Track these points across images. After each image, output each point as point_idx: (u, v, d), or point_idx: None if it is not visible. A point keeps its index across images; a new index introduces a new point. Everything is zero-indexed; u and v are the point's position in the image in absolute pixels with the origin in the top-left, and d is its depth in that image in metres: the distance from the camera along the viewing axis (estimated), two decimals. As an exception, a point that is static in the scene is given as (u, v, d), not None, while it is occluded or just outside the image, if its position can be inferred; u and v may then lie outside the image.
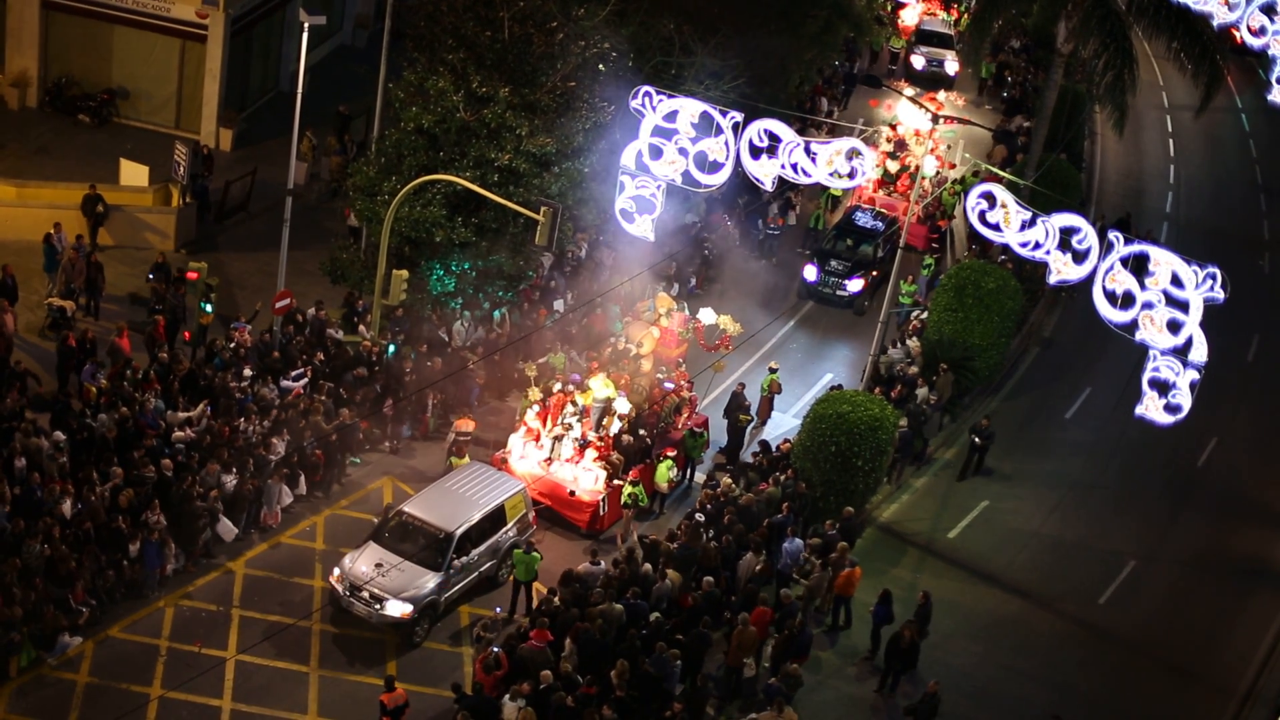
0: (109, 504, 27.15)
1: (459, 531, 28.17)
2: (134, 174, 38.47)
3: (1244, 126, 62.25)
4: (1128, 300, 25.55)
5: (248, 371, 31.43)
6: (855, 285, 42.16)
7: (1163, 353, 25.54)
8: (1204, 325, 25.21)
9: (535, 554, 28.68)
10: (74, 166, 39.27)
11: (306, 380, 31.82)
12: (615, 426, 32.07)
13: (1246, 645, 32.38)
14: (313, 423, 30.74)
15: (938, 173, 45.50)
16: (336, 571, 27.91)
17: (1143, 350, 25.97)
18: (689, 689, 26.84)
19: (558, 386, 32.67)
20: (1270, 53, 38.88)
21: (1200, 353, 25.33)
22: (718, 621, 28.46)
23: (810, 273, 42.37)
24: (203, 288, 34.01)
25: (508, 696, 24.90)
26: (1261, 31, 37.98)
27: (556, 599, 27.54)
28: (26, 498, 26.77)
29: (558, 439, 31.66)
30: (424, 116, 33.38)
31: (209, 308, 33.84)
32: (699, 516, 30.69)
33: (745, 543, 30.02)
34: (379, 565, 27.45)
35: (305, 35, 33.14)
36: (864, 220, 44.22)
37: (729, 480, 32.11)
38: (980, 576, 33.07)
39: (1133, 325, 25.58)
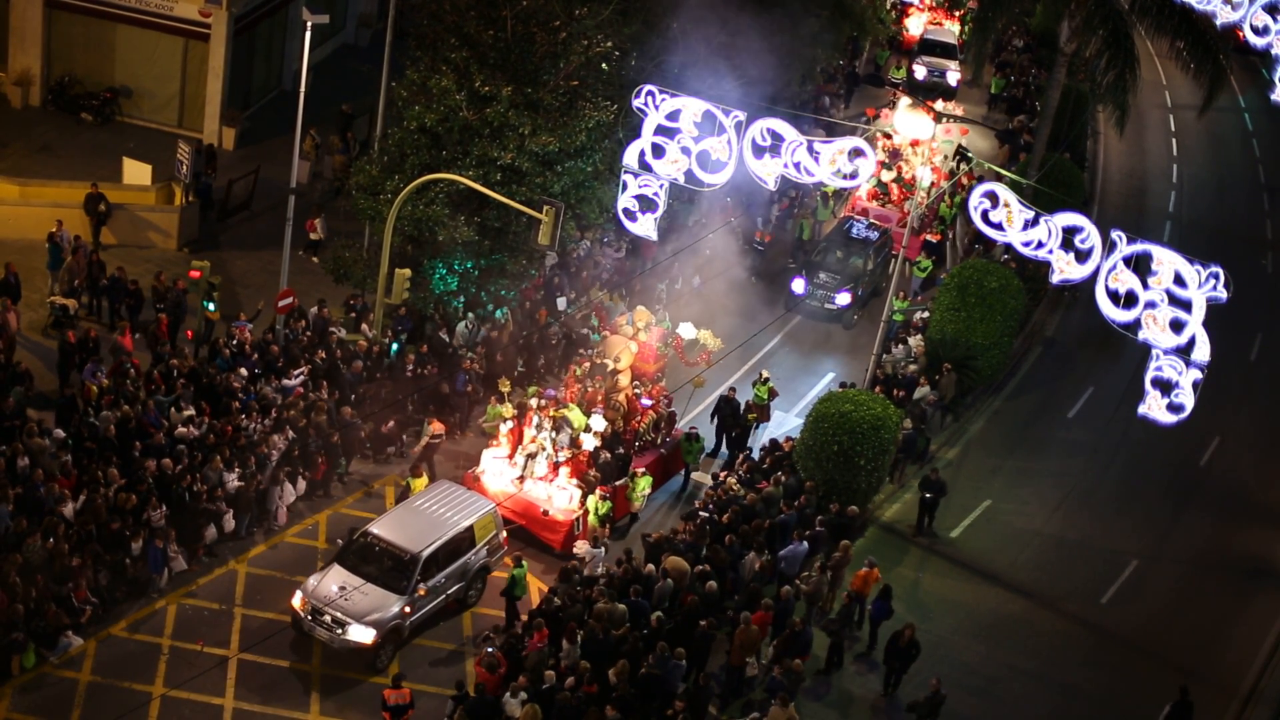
0: (112, 503, 27.16)
1: (425, 553, 27.22)
2: (137, 173, 38.50)
3: (1247, 126, 62.23)
4: (1130, 299, 25.56)
5: (243, 370, 31.41)
6: (844, 299, 41.12)
7: (1166, 352, 25.55)
8: (1207, 325, 25.22)
9: (524, 565, 28.22)
10: (77, 165, 39.30)
11: (304, 379, 31.83)
12: (591, 444, 31.25)
13: (1249, 645, 32.35)
14: (315, 421, 30.77)
15: (933, 185, 44.87)
16: (299, 595, 26.95)
17: (1145, 350, 25.98)
18: (690, 688, 26.82)
19: (533, 402, 31.84)
20: (1273, 52, 38.99)
21: (1203, 352, 25.34)
22: (720, 620, 28.41)
23: (798, 285, 41.23)
24: (205, 286, 34.03)
25: (509, 694, 24.95)
26: (1264, 31, 38.08)
27: (557, 599, 27.54)
28: (29, 496, 26.79)
29: (531, 457, 30.82)
30: (427, 115, 33.39)
31: (212, 306, 33.87)
32: (703, 514, 30.68)
33: (748, 542, 30.01)
34: (342, 588, 26.50)
35: (308, 34, 33.11)
36: (856, 232, 43.12)
37: (733, 480, 32.09)
38: (982, 576, 33.05)
39: (1135, 325, 25.59)
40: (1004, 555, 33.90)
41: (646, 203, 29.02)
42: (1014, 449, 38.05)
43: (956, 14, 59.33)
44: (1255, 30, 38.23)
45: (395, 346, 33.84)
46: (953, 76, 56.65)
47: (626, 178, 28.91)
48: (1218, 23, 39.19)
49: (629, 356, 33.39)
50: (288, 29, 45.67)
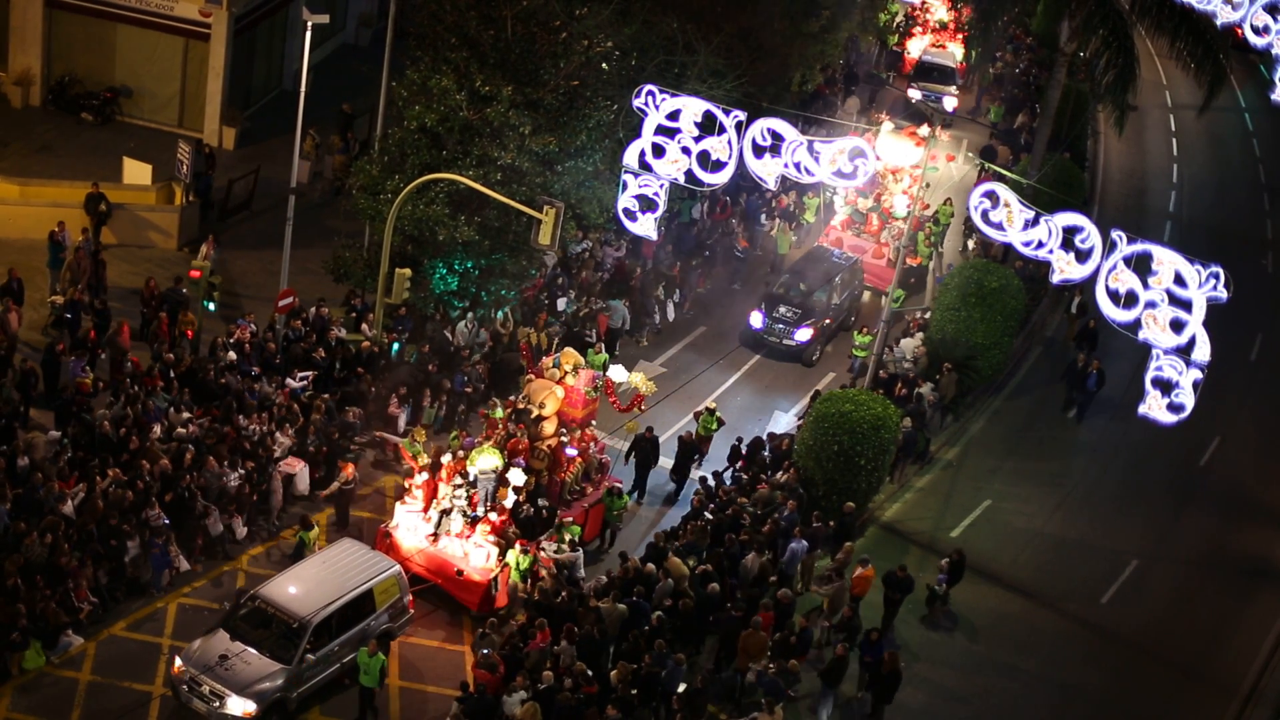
0: (110, 501, 27.15)
1: (316, 620, 25.39)
2: (137, 172, 38.49)
3: (1247, 125, 62.25)
4: (1131, 299, 25.58)
5: (230, 355, 31.35)
6: (804, 335, 38.73)
7: (1166, 352, 25.56)
8: (1207, 324, 25.23)
9: (380, 656, 25.44)
10: (77, 165, 39.28)
11: (309, 381, 31.84)
12: (510, 499, 28.84)
13: (1249, 645, 32.37)
14: (314, 420, 30.76)
15: (909, 214, 43.45)
16: (179, 661, 25.00)
17: (1146, 349, 26.00)
18: (690, 689, 26.77)
19: (447, 458, 29.37)
20: (1273, 51, 38.93)
21: (1203, 352, 25.35)
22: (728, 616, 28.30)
23: (755, 319, 39.03)
24: (205, 286, 34.04)
25: (508, 693, 24.96)
26: (1265, 30, 38.03)
27: (560, 599, 27.53)
28: (28, 497, 26.78)
29: (445, 512, 28.77)
30: (427, 115, 33.39)
31: (212, 306, 33.86)
32: (707, 515, 30.64)
33: (751, 542, 29.98)
34: (223, 656, 24.81)
35: (308, 34, 33.16)
36: (822, 262, 40.67)
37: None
38: (982, 576, 33.03)
39: (1136, 324, 25.60)
40: (1004, 555, 33.91)
41: (646, 202, 29.04)
42: (1014, 449, 38.05)
43: (962, 35, 57.39)
44: (1255, 30, 38.18)
45: (395, 346, 33.83)
46: (949, 102, 54.40)
47: (627, 178, 28.93)
48: (1218, 22, 39.14)
49: (554, 402, 30.37)
50: (288, 29, 45.68)
